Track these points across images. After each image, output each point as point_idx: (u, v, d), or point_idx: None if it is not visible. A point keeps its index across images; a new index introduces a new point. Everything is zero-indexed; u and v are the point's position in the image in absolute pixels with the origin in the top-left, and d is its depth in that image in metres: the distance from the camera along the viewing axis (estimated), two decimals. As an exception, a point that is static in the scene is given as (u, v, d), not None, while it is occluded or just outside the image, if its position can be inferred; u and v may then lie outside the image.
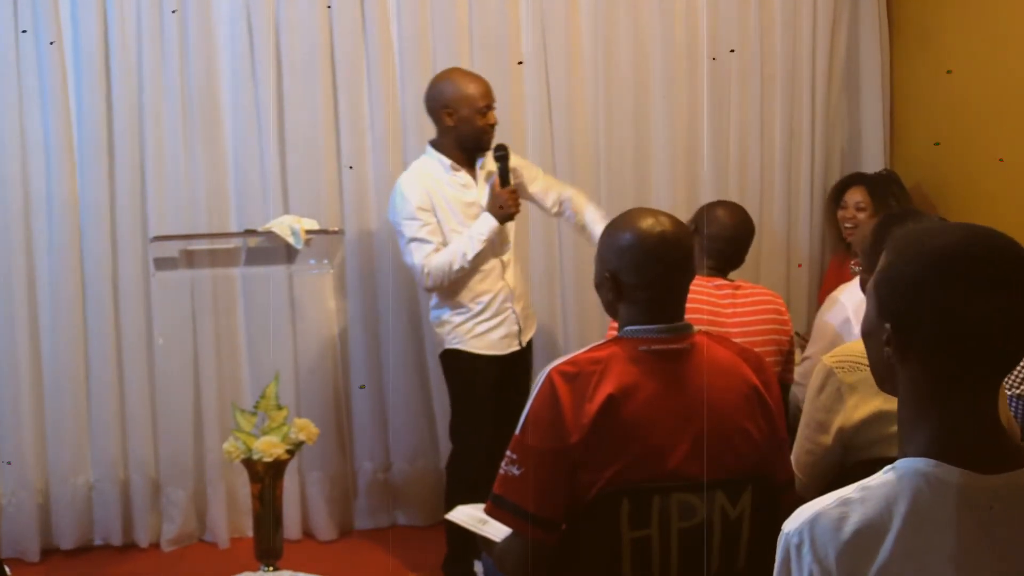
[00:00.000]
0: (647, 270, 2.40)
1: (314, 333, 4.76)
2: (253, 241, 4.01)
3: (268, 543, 3.82)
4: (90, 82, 4.51)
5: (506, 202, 4.04)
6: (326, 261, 4.29)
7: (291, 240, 3.90)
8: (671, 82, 5.03)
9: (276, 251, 4.13)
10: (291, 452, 3.79)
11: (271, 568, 3.79)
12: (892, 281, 1.51)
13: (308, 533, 4.83)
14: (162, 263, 3.92)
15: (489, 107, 4.11)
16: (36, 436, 4.59)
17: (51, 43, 4.42)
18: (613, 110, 5.00)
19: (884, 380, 1.58)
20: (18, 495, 4.54)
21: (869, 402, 2.58)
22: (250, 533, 4.37)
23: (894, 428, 1.57)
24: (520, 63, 4.83)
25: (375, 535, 4.78)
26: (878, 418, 2.57)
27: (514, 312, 4.22)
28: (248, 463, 3.77)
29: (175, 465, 4.70)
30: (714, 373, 2.39)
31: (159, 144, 4.58)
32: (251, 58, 4.65)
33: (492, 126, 4.11)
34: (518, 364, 4.29)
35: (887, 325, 1.50)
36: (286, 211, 4.65)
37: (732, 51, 5.05)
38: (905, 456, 1.50)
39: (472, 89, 4.06)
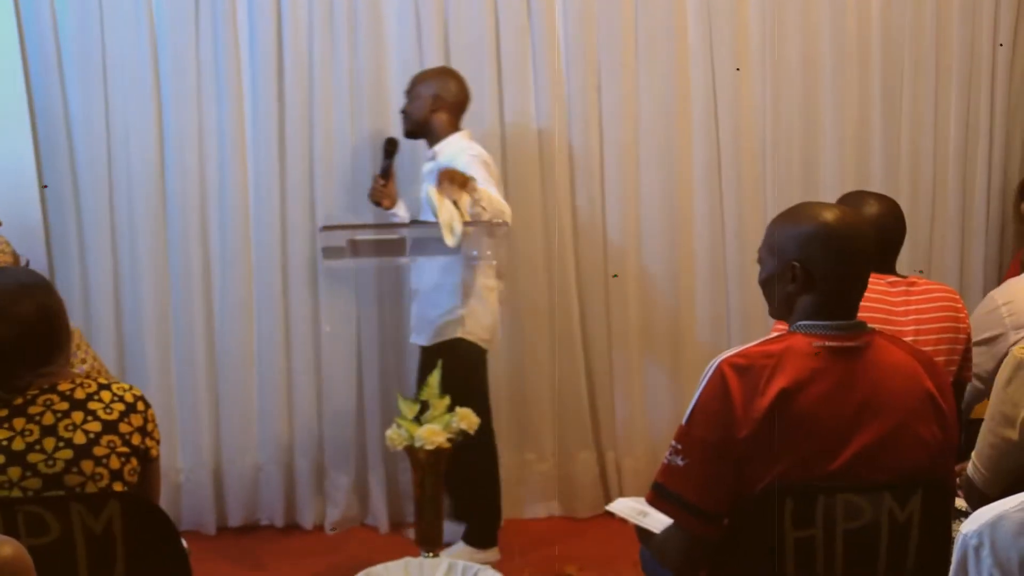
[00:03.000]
0: (837, 262, 2.35)
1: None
2: (417, 232, 4.06)
3: (429, 530, 3.87)
4: (264, 75, 4.65)
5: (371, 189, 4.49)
6: (489, 252, 4.30)
7: (449, 239, 3.92)
8: (841, 73, 4.91)
9: (439, 242, 4.17)
10: (452, 441, 3.83)
11: (432, 554, 3.83)
12: None
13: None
14: (330, 252, 4.00)
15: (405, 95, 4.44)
16: (210, 417, 4.76)
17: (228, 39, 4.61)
18: (781, 102, 4.91)
19: None
20: (195, 472, 4.73)
21: None
22: (411, 519, 4.45)
23: None
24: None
25: (537, 525, 4.80)
26: None
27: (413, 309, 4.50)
28: (410, 450, 3.82)
29: (338, 450, 4.81)
30: (889, 374, 2.33)
31: (328, 135, 4.70)
32: (419, 51, 4.71)
33: (401, 112, 4.46)
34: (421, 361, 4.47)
35: None
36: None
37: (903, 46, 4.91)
38: None
39: None
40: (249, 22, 4.66)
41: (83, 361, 3.28)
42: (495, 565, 4.24)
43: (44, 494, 2.38)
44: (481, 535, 4.46)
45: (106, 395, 2.50)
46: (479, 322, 4.34)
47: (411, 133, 4.44)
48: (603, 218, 4.87)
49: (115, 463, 2.43)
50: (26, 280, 2.55)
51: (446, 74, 4.44)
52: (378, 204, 4.51)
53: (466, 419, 3.85)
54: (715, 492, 2.30)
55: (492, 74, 4.75)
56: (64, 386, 2.48)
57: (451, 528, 4.33)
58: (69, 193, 4.64)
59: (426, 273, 4.38)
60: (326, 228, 4.07)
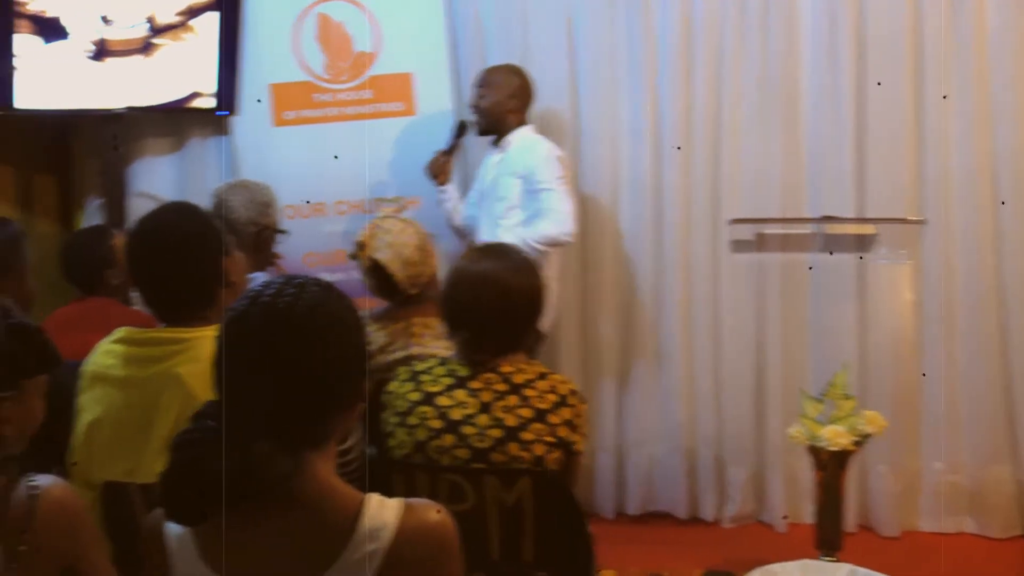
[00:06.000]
0: None
1: (886, 324, 4.62)
2: (830, 228, 3.96)
3: (829, 532, 3.79)
4: (674, 68, 4.70)
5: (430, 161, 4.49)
6: (903, 251, 4.13)
7: None
8: None
9: (850, 239, 4.06)
10: (857, 443, 3.72)
11: (831, 558, 3.74)
12: None
13: (865, 526, 4.71)
14: (738, 245, 3.98)
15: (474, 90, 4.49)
16: (615, 402, 4.87)
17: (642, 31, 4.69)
18: None
19: None
20: (598, 457, 4.86)
21: None
22: (807, 519, 4.37)
23: None
24: None
25: (940, 540, 4.56)
26: None
27: None
28: (813, 450, 3.76)
29: (737, 445, 4.78)
30: None
31: (735, 127, 4.68)
32: (832, 41, 4.60)
33: (472, 107, 4.51)
34: None
35: None
36: (861, 198, 4.58)
37: None
38: None
39: None
40: (662, 14, 4.72)
41: None
42: None
43: (469, 466, 2.51)
44: None
45: (542, 384, 2.58)
46: None
47: (486, 130, 4.47)
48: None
49: (539, 450, 2.52)
50: (526, 266, 2.69)
51: (516, 71, 4.48)
52: (434, 178, 4.52)
53: (873, 422, 3.73)
54: None
55: (910, 66, 4.55)
56: (505, 368, 2.59)
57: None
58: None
59: None
60: (735, 221, 4.05)
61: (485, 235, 4.37)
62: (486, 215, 4.45)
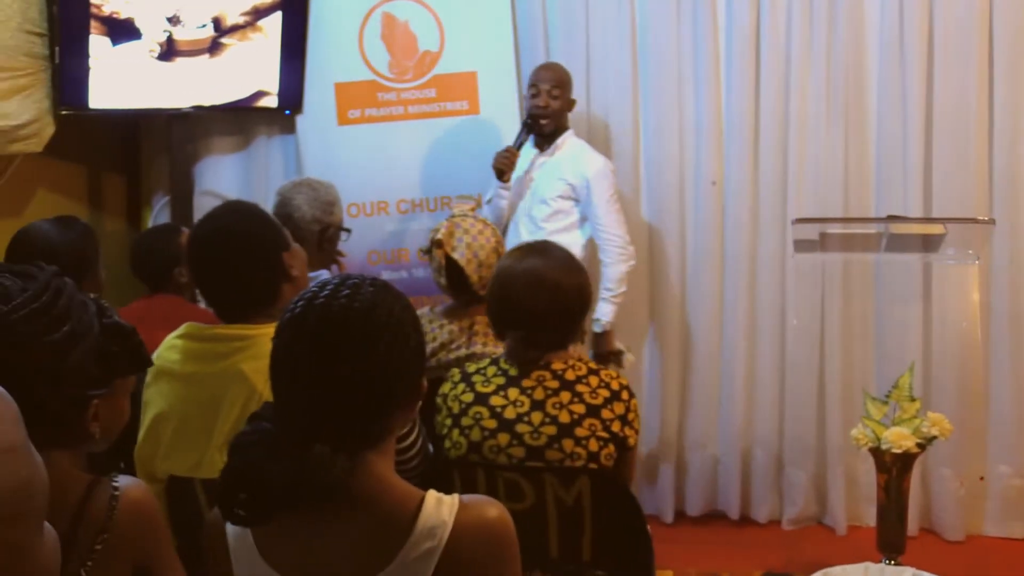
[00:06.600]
0: None
1: (952, 326, 4.55)
2: (897, 228, 3.91)
3: (892, 536, 3.74)
4: (740, 66, 4.67)
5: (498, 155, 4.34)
6: (971, 252, 4.07)
7: None
8: None
9: (917, 239, 4.01)
10: (922, 446, 3.67)
11: (893, 562, 3.70)
12: None
13: (928, 530, 4.66)
14: (802, 245, 3.95)
15: (536, 90, 4.35)
16: (679, 406, 4.85)
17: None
18: None
19: None
20: (660, 461, 4.84)
21: None
22: (869, 522, 4.33)
23: None
24: None
25: (1007, 545, 4.49)
26: None
27: None
28: (876, 452, 3.71)
29: (797, 446, 4.74)
30: None
31: (802, 126, 4.64)
32: (900, 40, 4.54)
33: (537, 107, 4.35)
34: None
35: None
36: (928, 198, 4.52)
37: None
38: None
39: (532, 74, 4.41)
40: (728, 12, 4.70)
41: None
42: None
43: (525, 464, 2.52)
44: None
45: (594, 380, 2.59)
46: None
47: (550, 131, 4.41)
48: None
49: (593, 446, 2.53)
50: (572, 263, 2.70)
51: (567, 71, 4.45)
52: (501, 173, 4.39)
53: (938, 425, 3.68)
54: None
55: (982, 64, 4.48)
56: (557, 365, 2.60)
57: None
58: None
59: None
60: (799, 221, 4.01)
61: (524, 237, 4.32)
62: (525, 217, 4.43)
